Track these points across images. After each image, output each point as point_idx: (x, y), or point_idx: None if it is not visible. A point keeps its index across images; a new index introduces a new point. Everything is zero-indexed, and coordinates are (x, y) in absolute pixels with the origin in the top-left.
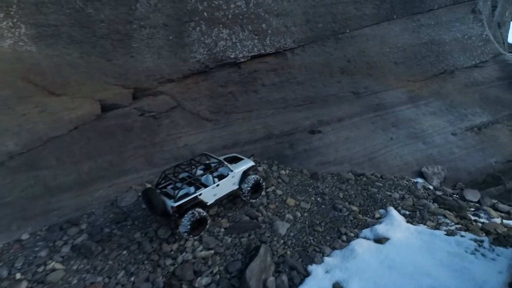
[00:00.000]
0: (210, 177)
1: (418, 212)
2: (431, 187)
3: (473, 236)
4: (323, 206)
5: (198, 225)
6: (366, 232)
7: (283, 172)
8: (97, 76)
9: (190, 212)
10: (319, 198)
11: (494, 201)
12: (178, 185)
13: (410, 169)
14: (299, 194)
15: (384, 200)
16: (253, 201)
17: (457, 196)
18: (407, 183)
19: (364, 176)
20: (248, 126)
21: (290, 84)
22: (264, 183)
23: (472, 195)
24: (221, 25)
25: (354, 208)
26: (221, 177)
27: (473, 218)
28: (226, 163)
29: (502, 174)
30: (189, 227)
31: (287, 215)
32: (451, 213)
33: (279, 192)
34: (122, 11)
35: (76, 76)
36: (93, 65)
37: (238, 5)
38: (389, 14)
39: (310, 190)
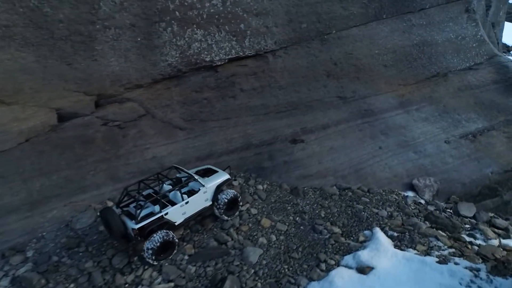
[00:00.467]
0: (178, 193)
1: (407, 233)
2: (422, 202)
3: (468, 264)
4: (302, 227)
5: (164, 249)
6: (348, 259)
7: (260, 187)
8: (55, 82)
9: (154, 234)
10: (298, 218)
11: (491, 214)
12: (141, 203)
13: (400, 182)
14: (276, 213)
15: (370, 219)
16: (227, 218)
17: (451, 211)
18: (396, 197)
19: (350, 191)
20: (225, 135)
21: (271, 89)
22: (240, 199)
23: (467, 210)
24: (195, 26)
25: (336, 229)
26: (191, 193)
27: (468, 239)
28: (197, 177)
29: (498, 185)
30: (152, 251)
31: (261, 239)
32: (444, 233)
33: (254, 211)
34: (83, 10)
35: (31, 82)
36: (50, 70)
37: (214, 3)
38: (378, 13)
39: (289, 208)
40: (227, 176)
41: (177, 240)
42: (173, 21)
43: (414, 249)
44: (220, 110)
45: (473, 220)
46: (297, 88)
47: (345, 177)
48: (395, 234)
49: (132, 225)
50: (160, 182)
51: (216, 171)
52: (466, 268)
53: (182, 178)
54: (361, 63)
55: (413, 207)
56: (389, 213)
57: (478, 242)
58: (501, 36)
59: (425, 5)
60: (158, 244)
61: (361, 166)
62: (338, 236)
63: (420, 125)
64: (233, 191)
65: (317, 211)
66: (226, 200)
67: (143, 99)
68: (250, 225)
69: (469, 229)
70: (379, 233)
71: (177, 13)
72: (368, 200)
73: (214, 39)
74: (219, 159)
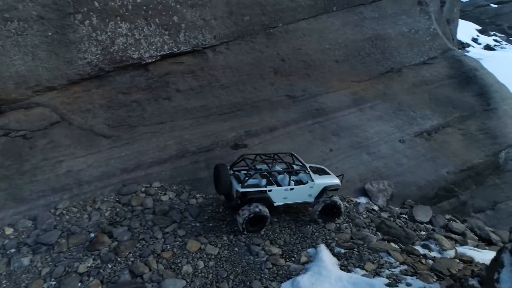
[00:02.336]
0: (287, 178)
1: (356, 249)
2: (376, 208)
3: (422, 284)
4: (236, 249)
5: (256, 222)
6: (286, 287)
7: (193, 201)
8: None
9: (252, 205)
10: (232, 237)
11: (448, 217)
12: (251, 172)
13: (352, 187)
14: (207, 233)
15: (316, 233)
16: (320, 221)
17: (406, 217)
18: (347, 205)
19: None
20: (158, 142)
21: (212, 88)
22: (342, 209)
23: (423, 214)
24: (118, 18)
25: (275, 249)
26: (299, 183)
27: (422, 251)
28: (309, 170)
29: (455, 185)
30: (244, 220)
31: (185, 267)
32: (396, 246)
33: (181, 232)
34: None
35: None
36: None
37: None
38: (327, 5)
39: (224, 226)
40: (337, 182)
41: (270, 219)
42: (91, 13)
43: (363, 268)
44: (153, 114)
45: (429, 226)
46: (241, 87)
47: None
48: (343, 251)
49: (238, 188)
50: (275, 162)
51: (329, 174)
52: None
53: (295, 167)
54: (311, 59)
55: (365, 216)
56: (337, 225)
57: (433, 254)
58: (456, 33)
59: None
60: (252, 214)
61: None
62: (277, 258)
63: (374, 124)
64: (338, 198)
65: None
66: (326, 203)
67: (57, 104)
68: (174, 250)
69: (424, 238)
70: (323, 251)
71: (96, 3)
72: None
73: (142, 33)
74: (149, 170)
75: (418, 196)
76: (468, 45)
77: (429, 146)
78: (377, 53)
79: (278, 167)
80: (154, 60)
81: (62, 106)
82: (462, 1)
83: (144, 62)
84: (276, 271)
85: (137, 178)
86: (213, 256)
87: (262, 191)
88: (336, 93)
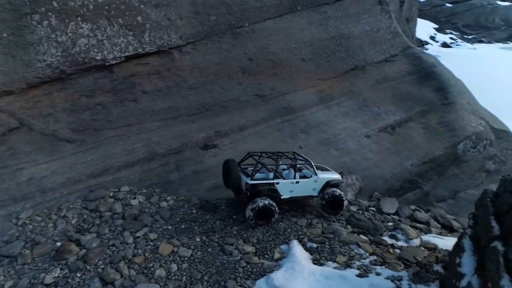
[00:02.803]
0: (293, 172)
1: (327, 243)
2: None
3: (390, 273)
4: (209, 250)
5: (264, 215)
6: (260, 284)
7: (164, 204)
8: None
9: (260, 198)
10: (205, 238)
11: (412, 208)
12: (259, 167)
13: None
14: (180, 236)
15: (288, 230)
16: (326, 215)
17: (374, 209)
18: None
19: None
20: (125, 145)
21: (179, 89)
22: (345, 201)
23: (390, 206)
24: (79, 18)
25: (249, 248)
26: (303, 177)
27: (390, 242)
28: (313, 164)
29: (418, 177)
30: (253, 212)
31: (158, 271)
32: (365, 238)
33: (153, 235)
34: None
35: None
36: None
37: None
38: (292, 5)
39: (196, 227)
40: (339, 177)
41: (277, 212)
42: (50, 13)
43: (335, 261)
44: (119, 117)
45: (395, 217)
46: (209, 87)
47: None
48: (315, 245)
49: (247, 180)
50: (280, 158)
51: (330, 170)
52: (388, 278)
53: (299, 164)
54: (278, 58)
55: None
56: (309, 221)
57: (400, 244)
58: (415, 31)
59: None
60: (261, 206)
61: None
62: (250, 256)
63: (341, 120)
64: (340, 191)
65: (229, 228)
66: (330, 195)
67: (15, 109)
68: (146, 254)
69: (391, 228)
70: (296, 247)
71: (54, 3)
72: (287, 207)
73: (105, 34)
74: (117, 174)
75: (384, 189)
76: (427, 43)
77: (393, 140)
78: (341, 52)
79: (283, 164)
80: (118, 61)
81: (21, 111)
82: (420, 1)
83: (108, 63)
84: (250, 269)
85: (105, 183)
86: (186, 258)
87: (270, 183)
88: (304, 91)
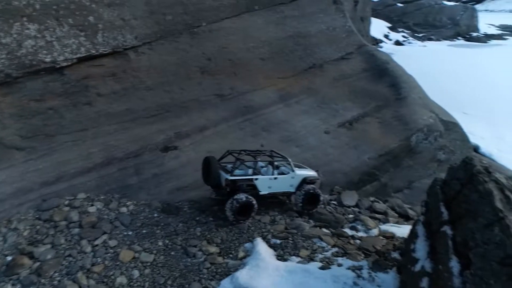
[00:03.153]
0: (271, 168)
1: (290, 238)
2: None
3: (351, 263)
4: (172, 253)
5: (244, 211)
6: (225, 283)
7: (124, 209)
8: None
9: (239, 194)
10: (168, 242)
11: (371, 199)
12: (238, 164)
13: None
14: (141, 241)
15: (252, 228)
16: (303, 210)
17: (335, 202)
18: (281, 197)
19: None
20: (80, 151)
21: (136, 90)
22: (321, 197)
23: (350, 199)
24: (25, 19)
25: (213, 248)
26: (281, 174)
27: (350, 233)
28: (291, 161)
29: (376, 169)
30: (233, 208)
31: (119, 279)
32: (327, 231)
33: (113, 243)
34: None
35: None
36: None
37: None
38: (249, 5)
39: (158, 231)
40: (315, 174)
41: (256, 206)
42: None
43: (298, 255)
44: (72, 121)
45: (356, 209)
46: (168, 88)
47: None
48: (278, 241)
49: (227, 176)
50: (258, 155)
51: (306, 168)
52: (349, 268)
53: (277, 161)
54: (237, 57)
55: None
56: (272, 218)
57: (360, 234)
58: (369, 30)
59: None
60: (241, 201)
61: None
62: (214, 257)
63: (301, 117)
64: (314, 186)
65: (192, 230)
66: (306, 192)
67: None
68: (106, 262)
69: (351, 220)
70: (260, 244)
71: None
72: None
73: (54, 35)
74: (73, 181)
75: (344, 182)
76: (381, 41)
77: (351, 135)
78: (299, 50)
79: (261, 161)
80: (70, 63)
81: None
82: (373, 1)
83: (59, 66)
84: (214, 270)
85: (59, 191)
86: (148, 264)
87: (249, 179)
88: (264, 90)
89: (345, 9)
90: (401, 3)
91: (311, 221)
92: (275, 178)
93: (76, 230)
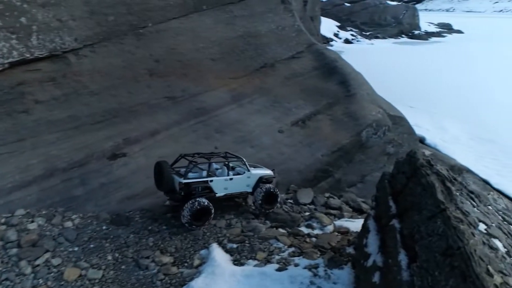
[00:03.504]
0: (226, 170)
1: (247, 241)
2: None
3: (307, 262)
4: (123, 267)
5: (201, 214)
6: None
7: (69, 224)
8: None
9: (195, 199)
10: (118, 255)
11: (326, 195)
12: (191, 167)
13: None
14: (89, 256)
15: (208, 233)
16: (263, 210)
17: (291, 201)
18: (237, 200)
19: None
20: (18, 163)
21: (79, 96)
22: (278, 194)
23: (306, 196)
24: None
25: (166, 259)
26: (236, 174)
27: (306, 231)
28: (245, 162)
29: (329, 166)
30: (189, 213)
31: None
32: (284, 231)
33: (56, 261)
34: None
35: None
36: None
37: None
38: (197, 4)
39: (107, 244)
40: (271, 173)
41: (213, 210)
42: None
43: (255, 258)
44: (8, 131)
45: (311, 206)
46: (114, 92)
47: None
48: (235, 245)
49: (180, 180)
50: (212, 157)
51: (262, 167)
52: (305, 268)
53: (232, 161)
54: (186, 58)
55: (253, 208)
56: (228, 222)
57: (315, 232)
58: (320, 29)
59: None
60: (196, 205)
61: None
62: (168, 267)
63: (255, 117)
64: (270, 185)
65: (144, 240)
66: (264, 190)
67: None
68: (48, 283)
69: (307, 218)
70: (216, 250)
71: None
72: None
73: None
74: (10, 196)
75: (300, 180)
76: (331, 40)
77: (304, 133)
78: (250, 50)
79: (216, 163)
80: (1, 68)
81: None
82: (322, 1)
83: None
84: (169, 281)
85: None
86: (97, 281)
87: (204, 181)
88: (216, 90)
89: (293, 9)
90: (348, 3)
91: (267, 222)
92: (231, 179)
93: (14, 250)
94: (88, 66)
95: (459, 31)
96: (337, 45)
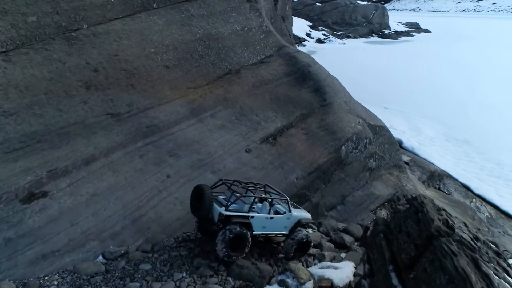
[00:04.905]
0: (267, 206)
1: None
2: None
3: None
4: None
5: (238, 244)
6: None
7: None
8: None
9: (230, 226)
10: None
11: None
12: (233, 198)
13: None
14: None
15: None
16: (291, 256)
17: (262, 239)
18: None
19: (125, 257)
20: None
21: None
22: (311, 241)
23: None
24: None
25: None
26: (277, 213)
27: None
28: (289, 201)
29: (306, 189)
30: (225, 247)
31: None
32: None
33: None
34: None
35: None
36: None
37: None
38: (145, 2)
39: None
40: (310, 216)
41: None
42: None
43: None
44: None
45: None
46: (38, 110)
47: (117, 236)
48: None
49: (221, 210)
50: (253, 190)
51: (299, 208)
52: None
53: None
54: (133, 66)
55: (212, 258)
56: (178, 284)
57: None
58: (292, 29)
59: None
60: (229, 235)
61: (142, 212)
62: None
63: (217, 135)
64: (307, 233)
65: None
66: (300, 237)
67: None
68: None
69: (280, 270)
70: None
71: None
72: (150, 266)
73: None
74: None
75: None
76: (304, 40)
77: (275, 152)
78: (212, 55)
79: (255, 196)
80: None
81: None
82: (293, 0)
83: None
84: None
85: None
86: None
87: (245, 216)
88: (170, 103)
89: (260, 8)
90: (319, 2)
91: (229, 279)
92: (271, 218)
93: None
94: (1, 79)
95: (426, 30)
96: (309, 45)
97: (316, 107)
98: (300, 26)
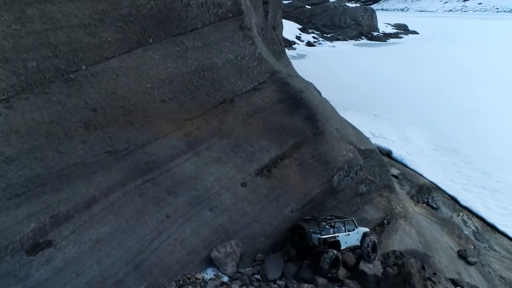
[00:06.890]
0: (342, 226)
1: None
2: (226, 279)
3: None
4: None
5: (336, 263)
6: None
7: None
8: None
9: (329, 250)
10: None
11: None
12: (322, 224)
13: (196, 259)
14: None
15: None
16: (372, 259)
17: (259, 277)
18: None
19: None
20: None
21: None
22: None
23: (275, 268)
24: None
25: None
26: (350, 231)
27: None
28: (354, 220)
29: (300, 221)
30: (329, 262)
31: None
32: None
33: None
34: None
35: None
36: None
37: None
38: (141, 38)
39: None
40: (369, 230)
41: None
42: None
43: None
44: None
45: (282, 283)
46: (39, 154)
47: (121, 283)
48: None
49: (318, 236)
50: (331, 220)
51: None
52: None
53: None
54: (130, 103)
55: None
56: None
57: None
58: (282, 38)
59: (196, 24)
60: (332, 256)
61: (143, 256)
62: None
63: (213, 169)
64: (372, 237)
65: None
66: (371, 241)
67: None
68: None
69: None
70: None
71: None
72: None
73: None
74: None
75: (268, 246)
76: (294, 43)
77: (270, 185)
78: (206, 85)
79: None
80: None
81: None
82: (283, 3)
83: None
84: None
85: None
86: None
87: (333, 236)
88: (167, 137)
89: (253, 35)
90: (309, 5)
91: None
92: (348, 234)
93: None
94: (3, 126)
95: (414, 32)
96: (300, 48)
97: (308, 136)
98: (290, 29)
